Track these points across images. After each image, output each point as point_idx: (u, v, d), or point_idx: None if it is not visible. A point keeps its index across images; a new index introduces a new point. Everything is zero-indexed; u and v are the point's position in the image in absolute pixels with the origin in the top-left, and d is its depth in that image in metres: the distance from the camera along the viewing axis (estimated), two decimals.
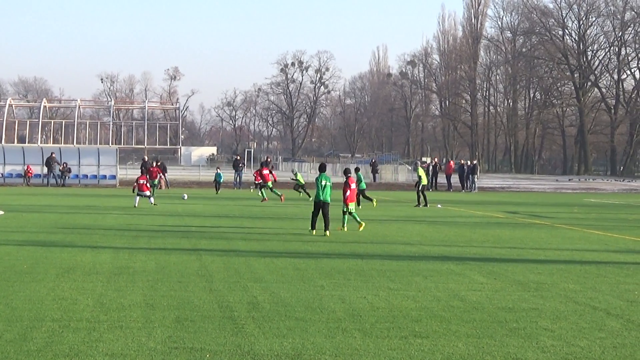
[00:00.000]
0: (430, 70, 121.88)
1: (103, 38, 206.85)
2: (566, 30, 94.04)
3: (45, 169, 45.41)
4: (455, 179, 47.38)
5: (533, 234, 18.53)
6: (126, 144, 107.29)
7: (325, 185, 17.77)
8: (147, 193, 26.55)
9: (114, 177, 46.79)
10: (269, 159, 51.81)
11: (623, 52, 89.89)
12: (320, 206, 17.62)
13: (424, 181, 29.50)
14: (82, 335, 7.41)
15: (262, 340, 7.32)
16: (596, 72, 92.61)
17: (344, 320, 8.23)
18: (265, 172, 31.76)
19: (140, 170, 40.31)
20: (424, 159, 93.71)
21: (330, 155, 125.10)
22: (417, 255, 13.94)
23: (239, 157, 49.71)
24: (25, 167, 45.67)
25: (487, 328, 8.01)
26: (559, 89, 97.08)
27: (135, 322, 7.99)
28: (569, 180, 68.17)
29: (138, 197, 26.45)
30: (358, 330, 7.79)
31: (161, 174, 40.07)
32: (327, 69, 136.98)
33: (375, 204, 27.82)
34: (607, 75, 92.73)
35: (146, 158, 52.55)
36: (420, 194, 28.98)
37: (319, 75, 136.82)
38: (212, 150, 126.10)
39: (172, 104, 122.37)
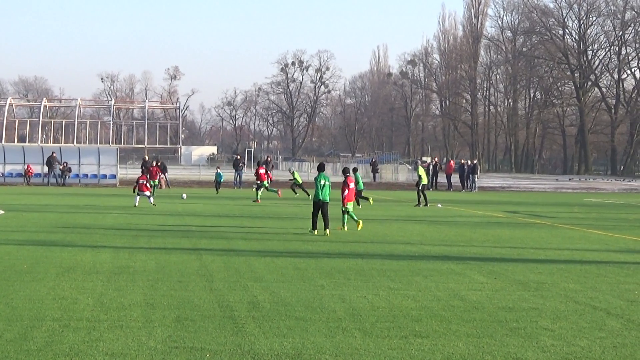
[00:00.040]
0: (430, 69, 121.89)
1: (103, 38, 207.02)
2: (566, 30, 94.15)
3: (46, 169, 45.41)
4: (455, 178, 47.36)
5: (533, 234, 18.53)
6: (126, 143, 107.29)
7: (324, 184, 17.77)
8: (147, 193, 26.55)
9: (114, 176, 46.78)
10: (269, 159, 51.82)
11: (623, 52, 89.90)
12: (319, 206, 17.62)
13: (424, 181, 29.49)
14: (83, 335, 7.41)
15: (262, 340, 7.32)
16: (596, 71, 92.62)
17: (344, 320, 8.23)
18: (262, 171, 31.54)
19: (140, 170, 40.30)
20: (424, 158, 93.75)
21: (330, 154, 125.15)
22: (418, 255, 13.94)
23: (239, 157, 49.69)
24: (26, 167, 45.68)
25: (488, 328, 8.01)
26: (559, 88, 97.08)
27: (136, 322, 7.99)
28: (569, 179, 68.17)
29: (138, 197, 26.45)
30: (358, 330, 7.79)
31: (161, 174, 40.10)
32: (328, 69, 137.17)
33: (371, 201, 27.81)
34: (608, 74, 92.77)
35: (146, 158, 52.53)
36: (421, 193, 28.98)
37: (319, 74, 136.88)
38: (213, 149, 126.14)
39: (173, 104, 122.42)
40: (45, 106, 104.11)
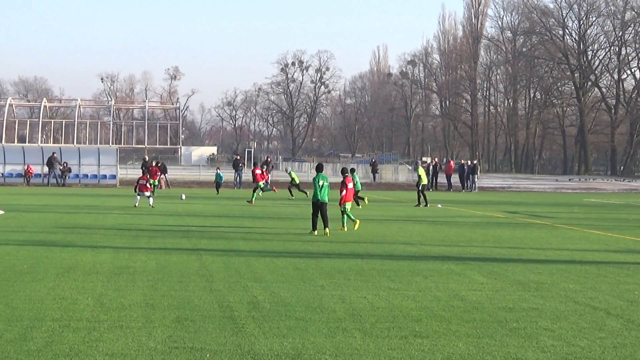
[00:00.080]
0: (430, 70, 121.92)
1: (103, 38, 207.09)
2: (566, 30, 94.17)
3: (46, 169, 45.42)
4: (455, 178, 47.36)
5: (533, 234, 18.53)
6: (126, 143, 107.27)
7: (322, 185, 17.77)
8: (147, 193, 26.54)
9: (114, 176, 46.78)
10: (269, 159, 51.83)
11: (623, 52, 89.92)
12: (318, 206, 17.62)
13: (424, 181, 29.49)
14: (82, 335, 7.41)
15: (262, 340, 7.32)
16: (596, 71, 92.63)
17: (344, 320, 8.23)
18: (258, 171, 31.34)
19: (141, 170, 40.32)
20: (424, 158, 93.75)
21: (330, 155, 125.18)
22: (418, 255, 13.94)
23: (239, 157, 49.70)
24: (26, 167, 45.68)
25: (487, 328, 8.01)
26: (559, 88, 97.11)
27: (136, 322, 7.99)
28: (569, 180, 68.18)
29: (138, 197, 26.46)
30: (358, 330, 7.79)
31: (161, 174, 40.11)
32: (328, 69, 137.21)
33: (366, 201, 27.78)
34: (608, 75, 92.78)
35: (147, 158, 52.57)
36: (421, 193, 28.98)
37: (319, 74, 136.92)
38: (213, 150, 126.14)
39: (173, 104, 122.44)
40: (45, 106, 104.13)
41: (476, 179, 45.59)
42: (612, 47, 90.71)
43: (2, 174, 46.19)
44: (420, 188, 29.07)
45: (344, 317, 8.38)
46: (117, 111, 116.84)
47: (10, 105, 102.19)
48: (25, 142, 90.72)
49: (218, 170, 41.84)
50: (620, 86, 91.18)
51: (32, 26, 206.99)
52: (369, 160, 69.53)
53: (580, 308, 9.15)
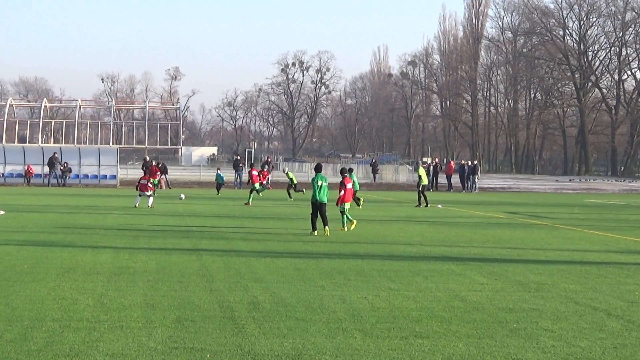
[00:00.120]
0: (431, 70, 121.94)
1: (103, 38, 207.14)
2: (567, 31, 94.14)
3: (46, 169, 45.45)
4: (455, 179, 47.36)
5: (534, 235, 18.53)
6: (127, 144, 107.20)
7: (321, 185, 17.77)
8: (148, 193, 26.55)
9: (114, 177, 46.81)
10: (269, 159, 51.83)
11: (624, 53, 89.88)
12: (317, 206, 17.63)
13: (425, 181, 29.47)
14: (83, 335, 7.41)
15: (262, 341, 7.32)
16: (597, 72, 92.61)
17: (344, 321, 8.23)
18: (254, 173, 31.11)
19: (142, 170, 40.33)
20: (424, 159, 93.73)
21: (331, 155, 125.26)
22: (418, 256, 13.94)
23: (239, 157, 49.70)
24: (26, 167, 45.70)
25: (488, 328, 8.01)
26: (560, 89, 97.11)
27: (136, 322, 7.99)
28: (570, 180, 68.17)
29: (139, 198, 26.46)
30: (358, 331, 7.79)
31: (161, 174, 40.11)
32: (328, 69, 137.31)
33: (361, 203, 27.68)
34: (608, 75, 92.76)
35: (147, 158, 52.57)
36: (421, 194, 28.97)
37: (319, 75, 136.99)
38: (213, 150, 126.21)
39: (173, 104, 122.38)
40: (45, 107, 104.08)
41: (476, 180, 45.58)
42: (613, 48, 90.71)
43: (3, 174, 46.23)
44: (420, 188, 29.06)
45: (344, 318, 8.37)
46: (117, 111, 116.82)
47: (11, 105, 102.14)
48: (25, 143, 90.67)
49: (219, 170, 41.74)
50: (621, 87, 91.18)
51: (32, 26, 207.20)
52: (370, 161, 69.52)
53: (580, 309, 9.15)
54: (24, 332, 7.50)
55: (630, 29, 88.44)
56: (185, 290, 9.88)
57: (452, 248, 15.27)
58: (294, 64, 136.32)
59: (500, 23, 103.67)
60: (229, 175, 46.36)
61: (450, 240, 16.74)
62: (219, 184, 38.89)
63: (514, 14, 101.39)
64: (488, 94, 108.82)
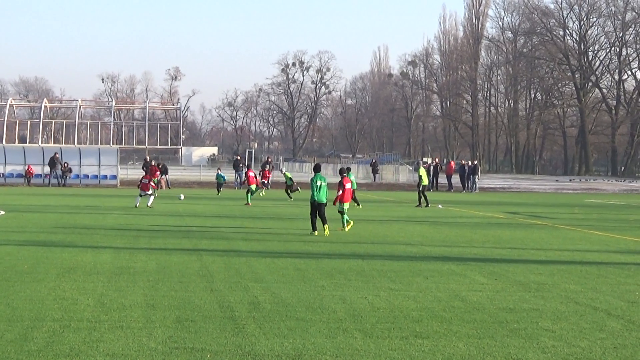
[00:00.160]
0: (431, 70, 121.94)
1: (104, 38, 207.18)
2: (567, 31, 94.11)
3: (47, 169, 45.48)
4: (456, 179, 47.35)
5: (534, 235, 18.53)
6: (127, 144, 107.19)
7: (320, 185, 17.77)
8: (149, 192, 26.57)
9: (114, 177, 46.82)
10: (269, 159, 51.82)
11: (624, 53, 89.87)
12: (315, 206, 17.63)
13: (425, 181, 29.46)
14: (83, 335, 7.41)
15: (262, 341, 7.32)
16: (597, 72, 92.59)
17: (344, 321, 8.23)
18: (251, 174, 30.91)
19: (143, 170, 40.33)
20: (424, 159, 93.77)
21: (331, 155, 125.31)
22: (418, 256, 13.94)
23: (239, 158, 49.70)
24: (26, 167, 45.71)
25: (488, 328, 8.01)
26: (560, 89, 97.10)
27: (136, 322, 7.99)
28: (570, 180, 68.17)
29: (139, 198, 26.47)
30: (359, 331, 7.79)
31: (161, 174, 40.11)
32: (328, 69, 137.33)
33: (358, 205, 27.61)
34: (608, 75, 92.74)
35: (148, 158, 52.60)
36: (421, 194, 28.96)
37: (319, 75, 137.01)
38: (213, 150, 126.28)
39: (173, 104, 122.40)
40: (45, 107, 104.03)
41: (477, 180, 45.57)
42: (613, 48, 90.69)
43: (3, 174, 46.24)
44: (420, 188, 29.06)
45: (345, 318, 8.37)
46: (117, 112, 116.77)
47: (11, 105, 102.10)
48: (25, 143, 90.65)
49: (219, 171, 41.70)
50: (621, 87, 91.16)
51: (32, 26, 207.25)
52: (370, 161, 69.53)
53: (580, 309, 9.15)
54: (24, 332, 7.50)
55: (630, 29, 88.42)
56: (185, 291, 9.88)
57: (452, 248, 15.27)
58: (294, 64, 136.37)
59: (500, 23, 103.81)
60: (229, 175, 46.36)
61: (450, 241, 16.74)
62: (220, 183, 38.85)
63: (514, 14, 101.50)
64: (488, 94, 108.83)
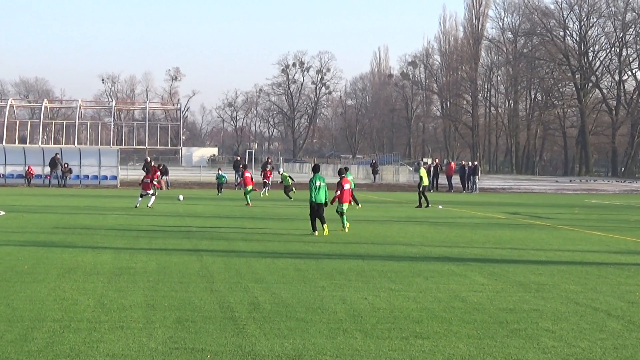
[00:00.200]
0: (431, 71, 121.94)
1: (104, 38, 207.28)
2: (567, 31, 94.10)
3: (47, 169, 45.49)
4: (456, 179, 47.34)
5: (534, 235, 18.52)
6: (127, 144, 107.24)
7: (319, 185, 17.78)
8: (150, 192, 26.59)
9: (115, 177, 46.83)
10: (269, 160, 51.83)
11: (624, 53, 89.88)
12: (315, 207, 17.62)
13: (425, 182, 29.46)
14: (83, 336, 7.41)
15: (263, 341, 7.32)
16: (597, 73, 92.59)
17: (344, 321, 8.23)
18: (248, 174, 30.73)
19: (143, 171, 40.35)
20: (424, 159, 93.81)
21: (331, 156, 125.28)
22: (418, 256, 13.94)
23: (239, 158, 49.71)
24: (27, 168, 45.71)
25: (488, 329, 8.01)
26: (560, 89, 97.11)
27: (136, 323, 7.99)
28: (570, 181, 68.15)
29: (140, 198, 26.47)
30: (359, 331, 7.79)
31: (162, 175, 40.13)
32: (328, 70, 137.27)
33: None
34: (608, 76, 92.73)
35: (148, 159, 52.63)
36: (422, 194, 28.95)
37: (320, 75, 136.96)
38: (213, 151, 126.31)
39: (173, 105, 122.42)
40: (46, 107, 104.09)
41: (477, 180, 45.56)
42: (613, 48, 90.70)
43: (3, 174, 46.25)
44: (421, 189, 29.06)
45: (345, 318, 8.37)
46: (118, 112, 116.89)
47: (11, 106, 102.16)
48: (26, 143, 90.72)
49: (220, 171, 41.64)
50: (621, 87, 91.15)
51: (32, 27, 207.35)
52: (370, 161, 69.54)
53: (581, 309, 9.15)
54: (25, 333, 7.50)
55: (630, 29, 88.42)
56: (185, 291, 9.88)
57: (452, 249, 15.27)
58: (294, 65, 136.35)
59: (500, 23, 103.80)
60: (229, 175, 46.35)
61: (450, 241, 16.74)
62: (220, 183, 38.82)
63: (514, 14, 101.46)
64: (488, 95, 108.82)
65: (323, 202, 17.76)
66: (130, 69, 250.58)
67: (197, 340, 7.31)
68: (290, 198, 32.97)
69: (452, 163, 54.69)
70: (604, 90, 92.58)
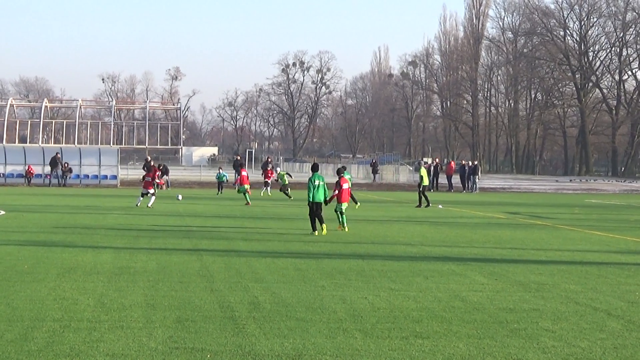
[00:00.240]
0: (431, 70, 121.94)
1: (104, 38, 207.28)
2: (567, 31, 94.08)
3: (47, 169, 45.49)
4: (456, 179, 47.34)
5: (534, 235, 18.52)
6: (127, 144, 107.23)
7: (318, 185, 17.77)
8: (152, 191, 26.58)
9: (115, 177, 46.82)
10: (269, 159, 51.82)
11: (624, 53, 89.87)
12: (314, 206, 17.62)
13: (426, 182, 29.45)
14: (83, 335, 7.41)
15: (263, 341, 7.32)
16: (597, 72, 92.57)
17: (344, 321, 8.23)
18: (244, 173, 30.62)
19: (144, 171, 40.36)
20: (425, 159, 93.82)
21: (331, 155, 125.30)
22: (418, 256, 13.94)
23: (239, 158, 49.70)
24: (27, 167, 45.71)
25: (488, 329, 8.01)
26: (560, 89, 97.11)
27: (136, 322, 7.99)
28: (570, 181, 68.15)
29: (141, 198, 26.46)
30: (359, 331, 7.79)
31: (162, 174, 40.13)
32: (329, 69, 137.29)
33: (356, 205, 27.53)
34: (609, 76, 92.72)
35: (149, 158, 52.63)
36: (422, 194, 28.95)
37: (320, 75, 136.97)
38: (213, 150, 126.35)
39: (174, 104, 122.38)
40: (46, 107, 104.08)
41: (477, 180, 45.56)
42: (613, 48, 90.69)
43: (3, 174, 46.24)
44: (421, 189, 29.05)
45: (345, 318, 8.37)
46: (118, 112, 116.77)
47: (12, 105, 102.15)
48: (26, 143, 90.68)
49: (220, 170, 41.56)
50: (621, 87, 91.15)
51: (32, 26, 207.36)
52: (370, 161, 69.55)
53: (581, 309, 9.15)
54: (25, 332, 7.50)
55: (630, 29, 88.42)
56: (185, 291, 9.89)
57: (452, 248, 15.27)
58: (294, 64, 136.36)
59: (500, 23, 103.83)
60: (230, 175, 46.34)
61: (450, 241, 16.74)
62: (220, 182, 38.78)
63: (514, 14, 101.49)
64: (488, 94, 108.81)
65: (322, 201, 17.77)
66: (130, 69, 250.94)
67: (197, 340, 7.31)
68: (290, 197, 32.96)
69: (452, 163, 54.69)
70: (604, 90, 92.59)
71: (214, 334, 7.57)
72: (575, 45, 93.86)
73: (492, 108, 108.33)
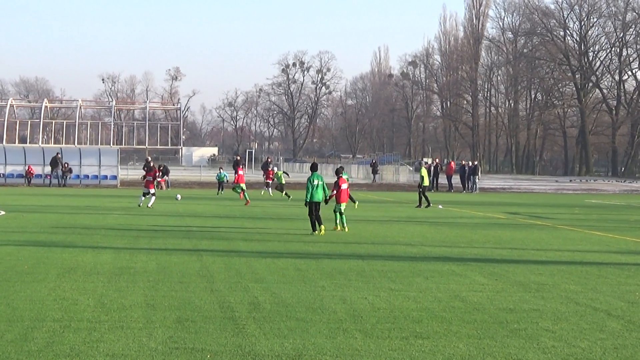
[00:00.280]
0: (431, 70, 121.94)
1: (104, 38, 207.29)
2: (567, 31, 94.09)
3: (47, 169, 45.48)
4: (456, 179, 47.34)
5: (534, 235, 18.52)
6: (127, 144, 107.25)
7: (317, 184, 17.77)
8: (152, 190, 26.59)
9: (115, 177, 46.82)
10: (269, 160, 51.82)
11: (624, 53, 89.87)
12: (313, 206, 17.62)
13: (426, 182, 29.45)
14: (83, 336, 7.41)
15: (263, 341, 7.32)
16: (597, 73, 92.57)
17: (345, 321, 8.23)
18: (240, 172, 30.63)
19: (144, 171, 40.35)
20: (425, 159, 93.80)
21: (331, 155, 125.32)
22: (418, 256, 13.94)
23: (239, 158, 49.69)
24: (27, 168, 45.70)
25: (488, 329, 8.01)
26: (560, 89, 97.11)
27: (136, 323, 7.99)
28: (570, 181, 68.14)
29: (142, 198, 26.46)
30: (359, 331, 7.79)
31: (162, 175, 40.14)
32: (329, 70, 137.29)
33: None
34: (609, 76, 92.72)
35: (149, 158, 52.62)
36: (422, 194, 28.94)
37: (320, 75, 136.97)
38: (213, 150, 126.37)
39: (174, 105, 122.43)
40: (46, 107, 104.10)
41: (477, 180, 45.56)
42: (613, 48, 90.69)
43: (3, 174, 46.24)
44: (421, 189, 29.04)
45: (345, 318, 8.37)
46: (118, 112, 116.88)
47: (12, 105, 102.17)
48: (26, 143, 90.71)
49: (221, 170, 41.50)
50: (621, 87, 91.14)
51: (32, 26, 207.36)
52: (370, 161, 69.54)
53: (581, 309, 9.15)
54: (25, 333, 7.50)
55: (630, 29, 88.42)
56: (185, 291, 9.88)
57: (452, 248, 15.27)
58: (294, 65, 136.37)
59: (500, 23, 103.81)
60: (230, 175, 46.32)
61: (450, 241, 16.74)
62: (221, 182, 38.75)
63: (514, 14, 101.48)
64: (488, 95, 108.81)
65: (321, 200, 17.78)
66: (130, 69, 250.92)
67: (197, 340, 7.31)
68: (289, 197, 32.98)
69: (452, 163, 54.68)
70: (604, 90, 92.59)
71: (214, 334, 7.57)
72: (575, 45, 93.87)
73: (492, 108, 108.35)
